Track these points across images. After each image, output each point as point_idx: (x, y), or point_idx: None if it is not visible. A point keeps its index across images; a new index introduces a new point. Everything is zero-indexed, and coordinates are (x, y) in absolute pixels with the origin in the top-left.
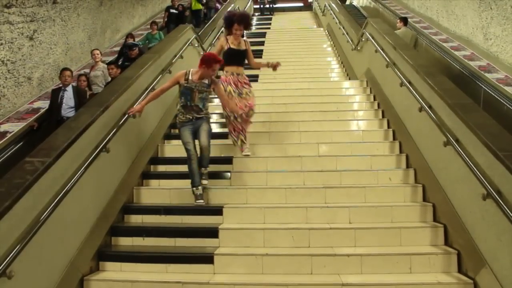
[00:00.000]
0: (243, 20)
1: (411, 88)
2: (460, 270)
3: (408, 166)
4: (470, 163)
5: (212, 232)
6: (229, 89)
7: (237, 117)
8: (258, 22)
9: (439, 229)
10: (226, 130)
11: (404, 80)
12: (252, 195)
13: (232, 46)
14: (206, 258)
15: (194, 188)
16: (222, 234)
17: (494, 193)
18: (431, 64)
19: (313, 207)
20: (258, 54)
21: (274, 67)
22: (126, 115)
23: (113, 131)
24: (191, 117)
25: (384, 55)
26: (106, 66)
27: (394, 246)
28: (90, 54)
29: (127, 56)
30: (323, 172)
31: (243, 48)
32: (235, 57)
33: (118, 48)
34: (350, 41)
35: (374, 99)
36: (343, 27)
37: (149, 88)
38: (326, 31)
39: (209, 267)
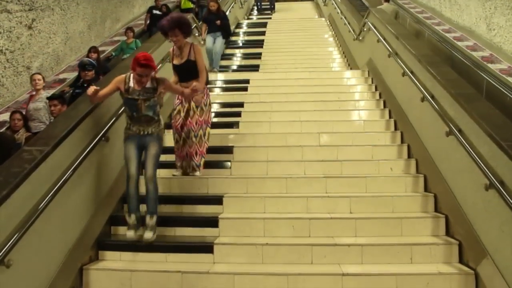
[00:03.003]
0: (172, 25)
1: (413, 78)
2: (461, 261)
3: (409, 156)
4: (473, 153)
5: (212, 222)
6: (177, 109)
7: (178, 138)
8: (259, 12)
9: (441, 219)
10: (226, 119)
11: (406, 70)
12: (253, 184)
13: (174, 61)
14: (206, 248)
15: (127, 215)
16: (222, 224)
17: (497, 184)
18: (433, 54)
19: (314, 197)
20: (259, 44)
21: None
22: None
23: (112, 120)
24: (138, 131)
25: (386, 44)
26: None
27: (395, 236)
28: (30, 80)
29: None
30: (324, 162)
31: (185, 59)
32: (180, 73)
33: (118, 38)
34: (352, 31)
35: (376, 89)
36: (345, 17)
37: None
38: (328, 21)
39: (209, 257)
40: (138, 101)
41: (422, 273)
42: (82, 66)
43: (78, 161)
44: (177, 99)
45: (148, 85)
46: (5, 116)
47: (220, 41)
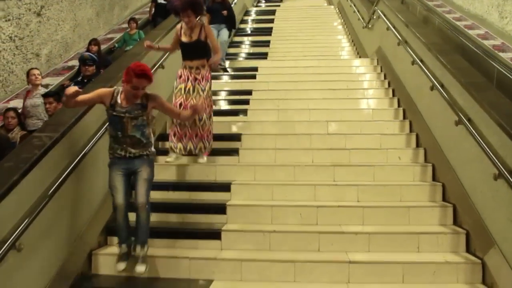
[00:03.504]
0: (185, 6)
1: (423, 67)
2: (468, 250)
3: (418, 145)
4: (482, 142)
5: (220, 208)
6: (179, 87)
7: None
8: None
9: (448, 208)
10: (235, 106)
11: (416, 58)
12: (260, 172)
13: (183, 39)
14: (214, 234)
15: (117, 246)
16: (230, 211)
17: (506, 173)
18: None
19: (322, 185)
20: (268, 32)
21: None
22: None
23: None
24: (123, 154)
25: (396, 33)
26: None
27: (402, 225)
28: (26, 75)
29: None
30: (332, 150)
31: (195, 39)
32: (188, 51)
33: (126, 25)
34: (361, 19)
35: (385, 78)
36: (354, 5)
37: (157, 65)
38: (337, 8)
39: (216, 243)
40: (124, 119)
41: (429, 261)
42: (83, 61)
43: (87, 147)
44: (179, 78)
45: (137, 101)
46: (15, 103)
47: (225, 32)
